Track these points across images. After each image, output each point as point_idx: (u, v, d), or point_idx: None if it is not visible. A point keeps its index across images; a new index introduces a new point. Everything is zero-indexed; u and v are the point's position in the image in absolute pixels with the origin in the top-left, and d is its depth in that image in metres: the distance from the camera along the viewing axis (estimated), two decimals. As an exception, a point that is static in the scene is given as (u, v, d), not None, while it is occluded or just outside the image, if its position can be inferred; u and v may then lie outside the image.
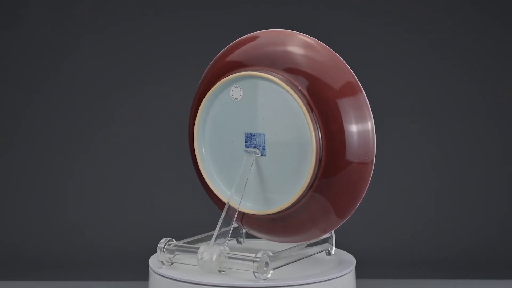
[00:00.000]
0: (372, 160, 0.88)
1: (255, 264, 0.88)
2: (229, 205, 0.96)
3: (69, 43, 1.87)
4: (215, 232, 0.95)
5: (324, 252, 1.03)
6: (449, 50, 1.88)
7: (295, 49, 0.93)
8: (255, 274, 0.88)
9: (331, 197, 0.90)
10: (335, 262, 1.00)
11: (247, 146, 0.98)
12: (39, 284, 1.70)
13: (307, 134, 0.90)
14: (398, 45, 1.87)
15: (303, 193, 0.91)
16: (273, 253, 0.90)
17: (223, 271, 0.92)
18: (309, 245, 0.99)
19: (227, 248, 0.92)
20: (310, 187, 0.91)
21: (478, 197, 1.87)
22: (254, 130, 0.97)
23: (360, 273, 1.12)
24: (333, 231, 0.98)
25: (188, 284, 0.90)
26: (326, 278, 0.92)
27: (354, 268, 0.99)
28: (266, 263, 0.89)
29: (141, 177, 1.87)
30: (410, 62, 1.87)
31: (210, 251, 0.92)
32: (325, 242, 1.02)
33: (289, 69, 0.92)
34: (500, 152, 1.88)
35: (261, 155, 0.96)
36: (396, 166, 1.87)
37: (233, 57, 0.97)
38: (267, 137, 0.95)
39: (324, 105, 0.89)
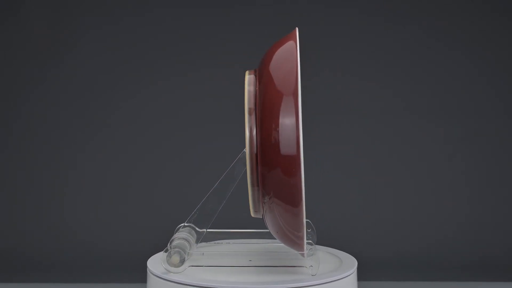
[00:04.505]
0: (299, 156, 0.84)
1: (166, 257, 0.90)
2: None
3: (68, 41, 1.87)
4: (191, 215, 0.98)
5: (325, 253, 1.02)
6: (459, 48, 1.87)
7: (271, 55, 0.90)
8: (163, 265, 0.90)
9: (275, 192, 0.87)
10: (336, 263, 0.99)
11: None
12: (36, 286, 1.69)
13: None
14: (406, 42, 1.87)
15: (253, 194, 0.89)
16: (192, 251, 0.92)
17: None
18: (288, 257, 0.97)
19: (184, 243, 0.93)
20: (257, 188, 0.89)
21: (480, 198, 1.86)
22: None
23: (362, 275, 1.11)
24: (315, 248, 0.94)
25: (187, 286, 0.90)
26: (327, 280, 0.91)
27: (356, 269, 0.98)
28: (181, 259, 0.90)
29: (140, 178, 1.86)
30: (419, 61, 1.87)
31: (172, 241, 0.94)
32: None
33: (260, 71, 0.91)
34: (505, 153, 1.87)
35: None
36: (399, 167, 1.86)
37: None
38: None
39: (261, 107, 0.87)
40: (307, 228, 1.03)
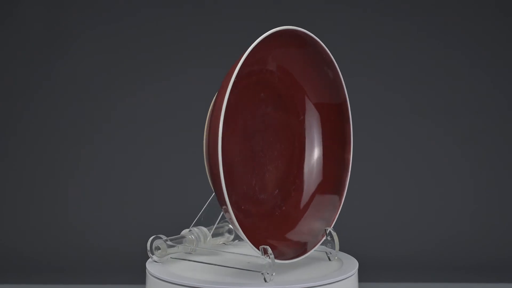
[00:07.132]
0: (218, 158, 0.85)
1: (151, 245, 0.98)
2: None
3: (65, 41, 1.87)
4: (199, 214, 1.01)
5: (325, 253, 1.02)
6: (465, 49, 1.87)
7: None
8: (148, 252, 0.98)
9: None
10: (337, 265, 0.99)
11: None
12: (36, 287, 1.69)
13: None
14: (413, 43, 1.87)
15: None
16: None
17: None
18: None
19: (187, 237, 1.00)
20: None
21: (481, 200, 1.86)
22: None
23: (363, 276, 1.10)
24: (270, 260, 0.91)
25: (185, 287, 0.89)
26: (328, 281, 0.91)
27: (357, 271, 0.97)
28: (162, 250, 0.97)
29: (140, 179, 1.86)
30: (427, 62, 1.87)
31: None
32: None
33: None
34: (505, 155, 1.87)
35: None
36: (400, 168, 1.86)
37: None
38: None
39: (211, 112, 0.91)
40: (327, 236, 1.01)
